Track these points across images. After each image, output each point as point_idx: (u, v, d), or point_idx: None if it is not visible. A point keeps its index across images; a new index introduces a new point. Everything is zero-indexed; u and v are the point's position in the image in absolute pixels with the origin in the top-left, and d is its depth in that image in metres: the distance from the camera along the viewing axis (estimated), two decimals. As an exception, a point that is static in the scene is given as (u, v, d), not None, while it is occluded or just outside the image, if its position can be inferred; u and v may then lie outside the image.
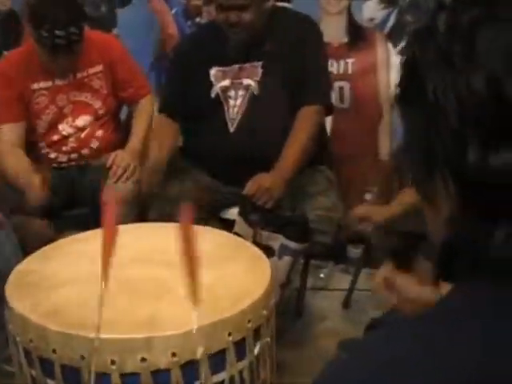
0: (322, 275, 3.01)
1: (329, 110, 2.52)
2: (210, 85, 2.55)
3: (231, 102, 2.53)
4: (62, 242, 1.94)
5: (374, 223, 2.33)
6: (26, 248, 2.26)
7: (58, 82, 2.68)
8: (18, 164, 2.55)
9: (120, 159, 2.61)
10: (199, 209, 2.58)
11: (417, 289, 1.60)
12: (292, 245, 2.32)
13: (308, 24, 2.57)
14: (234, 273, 1.69)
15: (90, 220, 2.67)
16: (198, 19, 3.25)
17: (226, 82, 2.54)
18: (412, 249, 2.29)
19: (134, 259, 1.76)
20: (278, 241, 2.33)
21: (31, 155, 2.66)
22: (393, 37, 2.96)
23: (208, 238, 1.83)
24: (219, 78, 2.55)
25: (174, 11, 3.29)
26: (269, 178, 2.34)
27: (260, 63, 2.49)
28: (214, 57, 2.56)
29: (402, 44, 2.92)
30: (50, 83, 2.68)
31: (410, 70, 0.68)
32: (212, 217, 2.66)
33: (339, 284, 3.00)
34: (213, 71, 2.56)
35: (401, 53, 2.91)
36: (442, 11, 0.66)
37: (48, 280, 1.67)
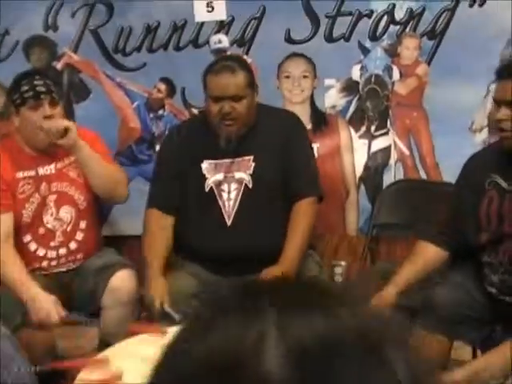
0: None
1: (320, 198, 2.69)
2: (204, 178, 2.63)
3: (224, 195, 2.63)
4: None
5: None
6: (33, 362, 2.26)
7: (41, 172, 2.71)
8: (19, 272, 2.52)
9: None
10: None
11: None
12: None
13: (293, 118, 2.75)
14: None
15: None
16: (160, 112, 3.34)
17: (220, 176, 2.63)
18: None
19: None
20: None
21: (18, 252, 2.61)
22: (354, 122, 3.19)
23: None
24: (211, 172, 2.63)
25: (135, 105, 3.35)
26: (281, 271, 2.46)
27: (251, 157, 2.62)
28: (204, 150, 2.65)
29: (363, 129, 3.16)
30: (33, 172, 2.70)
31: None
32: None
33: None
34: (204, 165, 2.64)
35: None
36: None
37: None
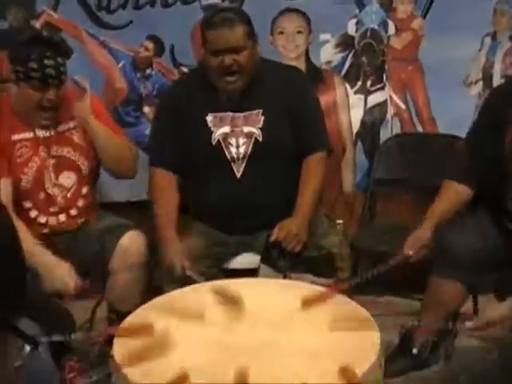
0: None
1: (330, 152, 2.66)
2: (210, 131, 2.55)
3: (233, 149, 2.55)
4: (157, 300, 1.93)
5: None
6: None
7: (39, 134, 2.55)
8: (28, 241, 2.34)
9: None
10: (209, 264, 2.58)
11: None
12: (323, 281, 2.41)
13: (297, 71, 2.70)
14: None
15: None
16: (148, 71, 3.23)
17: (226, 129, 2.55)
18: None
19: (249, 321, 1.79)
20: (307, 280, 2.41)
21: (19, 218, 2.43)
22: (349, 78, 3.17)
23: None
24: (217, 125, 2.55)
25: (120, 64, 3.22)
26: (295, 224, 2.43)
27: (260, 110, 2.55)
28: (207, 103, 2.56)
29: (359, 84, 3.14)
30: (31, 134, 2.54)
31: None
32: (218, 270, 2.67)
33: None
34: (209, 117, 2.56)
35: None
36: None
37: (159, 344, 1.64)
